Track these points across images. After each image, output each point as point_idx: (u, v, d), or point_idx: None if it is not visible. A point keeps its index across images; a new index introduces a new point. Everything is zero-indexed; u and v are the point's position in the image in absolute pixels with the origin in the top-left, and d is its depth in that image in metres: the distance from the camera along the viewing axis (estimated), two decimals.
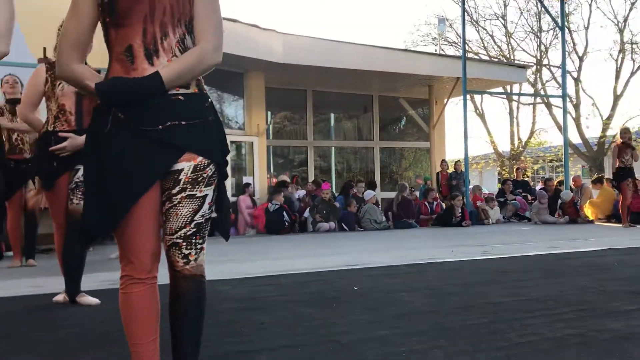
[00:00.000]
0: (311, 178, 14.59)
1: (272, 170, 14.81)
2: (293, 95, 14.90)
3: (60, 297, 4.02)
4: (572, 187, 13.10)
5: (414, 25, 53.21)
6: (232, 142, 12.41)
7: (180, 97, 1.90)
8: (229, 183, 12.07)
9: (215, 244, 8.25)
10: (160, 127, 1.87)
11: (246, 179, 12.54)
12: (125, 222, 1.89)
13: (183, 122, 1.89)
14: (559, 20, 15.29)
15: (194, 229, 1.94)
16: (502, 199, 13.35)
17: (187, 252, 1.95)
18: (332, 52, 12.41)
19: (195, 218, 1.94)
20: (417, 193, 13.15)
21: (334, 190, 13.95)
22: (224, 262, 6.06)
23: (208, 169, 1.95)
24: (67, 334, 3.10)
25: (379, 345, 2.77)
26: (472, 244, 7.76)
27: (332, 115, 16.55)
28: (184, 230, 1.93)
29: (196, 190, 1.93)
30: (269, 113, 14.34)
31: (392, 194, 14.87)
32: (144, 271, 1.94)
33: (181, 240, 1.93)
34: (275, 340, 2.90)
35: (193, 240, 1.95)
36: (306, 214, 11.13)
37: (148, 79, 1.85)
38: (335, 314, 3.44)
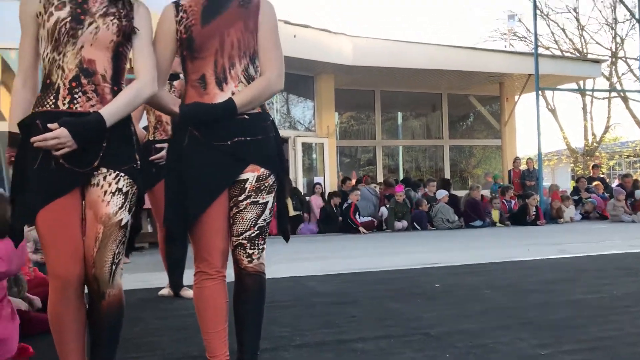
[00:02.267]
0: (380, 177, 14.78)
1: (339, 170, 15.10)
2: (361, 95, 15.13)
3: (165, 291, 4.43)
4: None
5: (482, 20, 52.13)
6: (303, 143, 12.79)
7: (245, 116, 2.24)
8: (301, 183, 12.45)
9: (294, 242, 8.63)
10: (229, 142, 2.21)
11: (317, 179, 12.87)
12: (199, 223, 2.22)
13: (248, 138, 2.23)
14: (635, 11, 14.80)
15: (257, 232, 2.26)
16: (576, 197, 13.10)
17: (250, 251, 2.26)
18: (400, 53, 12.55)
19: (259, 222, 2.26)
20: (487, 192, 13.07)
21: None
22: (308, 259, 6.38)
23: (269, 178, 2.28)
24: (181, 322, 3.46)
25: (466, 337, 2.98)
26: (548, 242, 7.76)
27: (400, 114, 16.66)
28: (248, 233, 2.25)
29: (259, 197, 2.26)
30: (337, 114, 14.64)
31: (461, 192, 14.85)
32: (215, 268, 2.25)
33: (246, 242, 2.25)
34: (368, 331, 3.15)
35: (256, 242, 2.27)
36: (383, 210, 11.33)
37: (224, 105, 2.20)
38: (421, 309, 3.66)
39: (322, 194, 12.13)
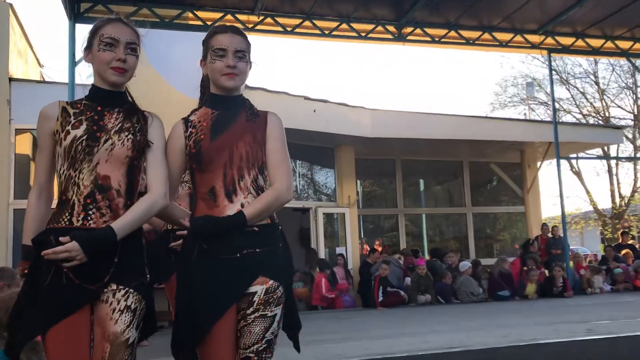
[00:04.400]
0: (402, 244, 14.62)
1: (362, 236, 15.02)
2: (382, 164, 15.21)
3: None
4: None
5: (500, 86, 52.47)
6: (324, 213, 12.80)
7: (255, 228, 2.25)
8: (323, 253, 12.36)
9: (314, 319, 8.49)
10: (238, 254, 2.22)
11: (339, 250, 12.81)
12: (208, 338, 2.18)
13: (257, 250, 2.24)
14: None
15: (265, 345, 2.22)
16: (605, 267, 12.74)
17: None
18: (419, 124, 12.68)
19: (266, 335, 2.22)
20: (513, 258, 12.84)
21: (425, 256, 13.89)
22: (323, 342, 6.25)
23: (278, 290, 2.25)
24: None
25: None
26: (575, 319, 7.50)
27: (422, 182, 16.65)
28: (256, 346, 2.21)
29: (267, 311, 2.23)
30: (359, 182, 14.71)
31: (486, 260, 14.61)
32: None
33: (253, 355, 2.21)
34: None
35: (263, 355, 2.23)
36: (407, 281, 11.19)
37: (234, 218, 2.21)
38: None
39: (345, 265, 12.03)
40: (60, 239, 2.02)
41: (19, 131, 9.57)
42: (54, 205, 2.22)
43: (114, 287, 2.09)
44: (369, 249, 14.44)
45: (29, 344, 3.15)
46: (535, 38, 11.37)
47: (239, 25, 9.25)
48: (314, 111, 11.35)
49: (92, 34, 2.23)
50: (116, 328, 2.06)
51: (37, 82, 11.21)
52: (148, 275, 2.20)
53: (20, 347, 2.11)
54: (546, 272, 12.23)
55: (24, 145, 9.94)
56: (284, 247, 2.35)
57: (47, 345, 2.03)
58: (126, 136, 2.17)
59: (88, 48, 2.24)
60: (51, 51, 47.48)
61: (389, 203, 15.59)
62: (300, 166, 13.47)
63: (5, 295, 3.60)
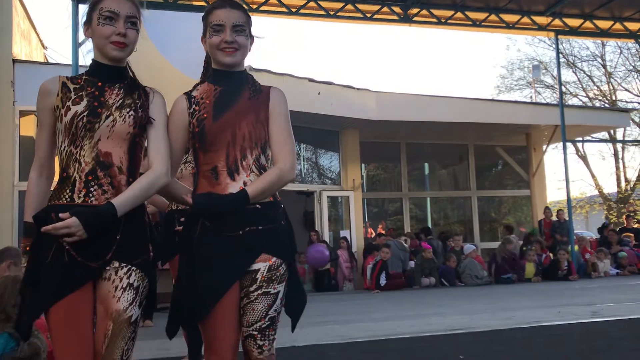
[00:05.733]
0: (407, 228, 14.61)
1: (367, 219, 15.01)
2: (387, 147, 15.14)
3: None
4: None
5: (506, 69, 52.01)
6: (328, 197, 12.78)
7: (257, 205, 2.23)
8: (327, 237, 12.38)
9: (318, 301, 8.50)
10: (240, 232, 2.20)
11: (343, 233, 12.80)
12: (211, 315, 2.16)
13: (260, 227, 2.22)
14: None
15: (268, 322, 2.20)
16: (606, 249, 12.71)
17: (261, 343, 2.20)
18: (425, 107, 12.58)
19: (269, 312, 2.21)
20: (520, 242, 12.83)
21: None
22: (327, 323, 6.27)
23: (281, 268, 2.24)
24: None
25: None
26: (580, 302, 7.50)
27: (427, 165, 16.59)
28: (259, 324, 2.19)
29: (270, 288, 2.21)
30: (363, 166, 14.66)
31: (491, 244, 14.60)
32: None
33: (256, 332, 2.19)
34: None
35: (267, 332, 2.21)
36: (411, 264, 11.20)
37: (237, 195, 2.19)
38: None
39: (349, 248, 12.04)
40: (60, 215, 2.00)
41: (23, 113, 9.54)
42: (55, 182, 2.20)
43: (117, 264, 2.07)
44: (373, 232, 14.46)
45: None
46: (542, 19, 11.23)
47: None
48: (319, 94, 11.27)
49: (92, 8, 2.17)
50: (119, 306, 2.05)
51: (41, 63, 11.17)
52: (151, 253, 2.17)
53: (27, 326, 2.10)
54: (551, 255, 12.24)
55: (28, 127, 9.91)
56: (287, 224, 2.32)
57: (49, 323, 2.02)
58: (127, 112, 2.13)
59: (87, 22, 2.19)
60: (55, 33, 47.29)
61: (394, 186, 15.54)
62: (305, 149, 13.42)
63: (18, 275, 3.61)
